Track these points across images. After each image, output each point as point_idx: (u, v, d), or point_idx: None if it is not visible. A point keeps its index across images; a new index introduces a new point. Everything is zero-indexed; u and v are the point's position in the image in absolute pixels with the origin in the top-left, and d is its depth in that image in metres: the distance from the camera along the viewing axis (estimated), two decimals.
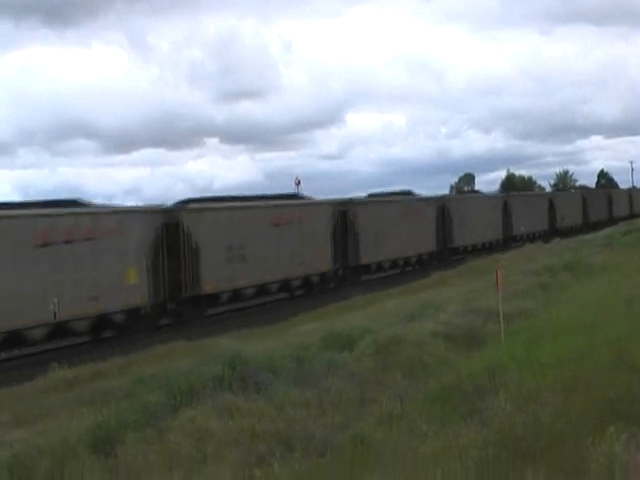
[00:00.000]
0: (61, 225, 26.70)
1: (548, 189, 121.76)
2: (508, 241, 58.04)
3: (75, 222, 27.31)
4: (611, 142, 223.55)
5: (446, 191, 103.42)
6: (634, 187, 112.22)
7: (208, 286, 32.21)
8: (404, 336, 15.37)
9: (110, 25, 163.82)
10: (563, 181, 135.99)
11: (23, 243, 25.02)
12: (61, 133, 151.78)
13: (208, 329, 27.37)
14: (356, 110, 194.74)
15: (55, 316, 25.54)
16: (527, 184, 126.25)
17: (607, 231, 51.80)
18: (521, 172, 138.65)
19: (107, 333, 28.81)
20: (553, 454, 8.07)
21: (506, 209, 59.77)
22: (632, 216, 76.17)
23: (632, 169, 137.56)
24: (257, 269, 34.63)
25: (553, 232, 63.86)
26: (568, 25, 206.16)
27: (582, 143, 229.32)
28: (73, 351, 25.68)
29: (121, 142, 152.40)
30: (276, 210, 37.84)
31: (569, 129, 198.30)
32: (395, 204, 48.52)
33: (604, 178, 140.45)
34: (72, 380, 16.66)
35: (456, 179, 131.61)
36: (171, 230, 31.01)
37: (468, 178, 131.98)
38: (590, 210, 75.54)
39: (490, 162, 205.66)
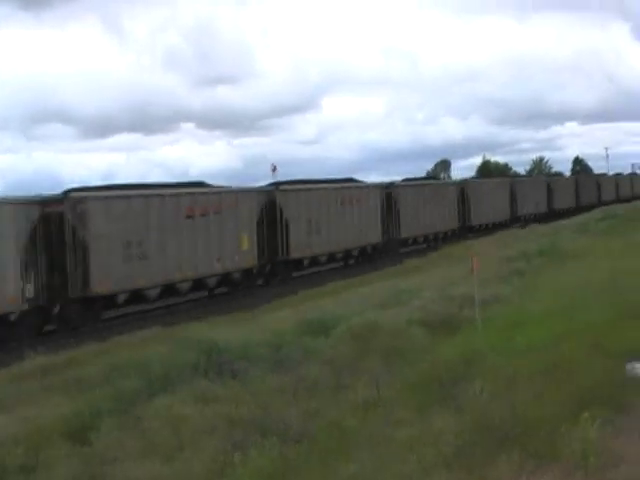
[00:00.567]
0: (199, 201, 33.66)
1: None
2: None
3: (207, 199, 34.38)
4: (586, 129, 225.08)
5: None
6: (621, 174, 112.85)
7: (296, 253, 39.15)
8: (380, 323, 15.37)
9: (86, 8, 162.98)
10: (538, 168, 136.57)
11: (178, 215, 32.10)
12: (37, 117, 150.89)
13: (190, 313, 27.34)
14: (333, 95, 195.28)
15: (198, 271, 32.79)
16: (503, 170, 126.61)
17: (583, 217, 52.11)
18: (497, 158, 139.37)
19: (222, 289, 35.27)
20: (528, 440, 8.11)
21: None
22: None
23: (607, 155, 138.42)
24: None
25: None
26: (544, 12, 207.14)
27: (557, 130, 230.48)
28: (48, 339, 25.52)
29: (97, 127, 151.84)
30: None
31: (544, 115, 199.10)
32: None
33: (579, 165, 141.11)
34: (48, 367, 16.57)
35: (432, 165, 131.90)
36: (270, 207, 38.28)
37: (444, 164, 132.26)
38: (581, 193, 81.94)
39: (466, 148, 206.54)
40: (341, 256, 44.39)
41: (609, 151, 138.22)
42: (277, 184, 42.32)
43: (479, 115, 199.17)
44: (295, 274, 40.01)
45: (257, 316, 22.34)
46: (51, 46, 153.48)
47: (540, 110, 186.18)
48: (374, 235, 46.37)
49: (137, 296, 30.32)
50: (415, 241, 51.93)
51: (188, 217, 32.70)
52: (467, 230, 57.74)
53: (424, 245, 52.33)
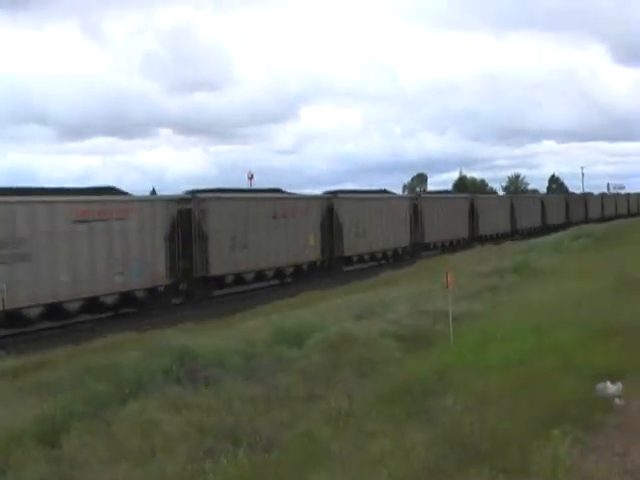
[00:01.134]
0: (280, 205, 42.13)
1: (500, 192, 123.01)
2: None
3: (287, 204, 42.79)
4: (562, 147, 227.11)
5: (399, 190, 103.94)
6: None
7: (348, 251, 47.03)
8: (353, 334, 15.39)
9: (64, 10, 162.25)
10: (514, 185, 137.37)
11: (267, 216, 40.22)
12: (12, 118, 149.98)
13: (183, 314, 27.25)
14: (311, 105, 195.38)
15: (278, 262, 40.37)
16: (479, 186, 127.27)
17: (557, 236, 52.36)
18: (473, 174, 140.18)
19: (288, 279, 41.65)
20: (498, 455, 8.17)
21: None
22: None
23: (583, 175, 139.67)
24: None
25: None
26: (522, 30, 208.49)
27: (534, 147, 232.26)
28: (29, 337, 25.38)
29: (74, 129, 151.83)
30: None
31: (521, 133, 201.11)
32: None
33: (555, 183, 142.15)
34: (19, 369, 16.48)
35: (409, 179, 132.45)
36: (329, 211, 45.81)
37: (421, 178, 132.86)
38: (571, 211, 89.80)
39: (443, 163, 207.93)
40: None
41: (584, 170, 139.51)
42: (336, 192, 49.46)
43: (456, 130, 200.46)
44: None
45: (230, 325, 22.29)
46: (28, 47, 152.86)
47: (517, 127, 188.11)
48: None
49: (239, 279, 38.13)
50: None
51: (274, 218, 40.69)
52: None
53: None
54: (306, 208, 43.63)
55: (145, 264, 32.30)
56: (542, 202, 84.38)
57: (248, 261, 38.21)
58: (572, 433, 8.41)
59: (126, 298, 31.65)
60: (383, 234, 50.85)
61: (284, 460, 8.80)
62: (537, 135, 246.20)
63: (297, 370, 13.13)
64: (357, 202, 49.32)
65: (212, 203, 36.68)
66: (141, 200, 34.47)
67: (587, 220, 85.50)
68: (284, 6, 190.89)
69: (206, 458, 8.84)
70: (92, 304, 29.83)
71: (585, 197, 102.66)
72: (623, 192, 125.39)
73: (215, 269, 36.24)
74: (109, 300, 30.73)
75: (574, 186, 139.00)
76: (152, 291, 32.87)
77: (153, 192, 56.86)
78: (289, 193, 45.95)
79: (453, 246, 58.76)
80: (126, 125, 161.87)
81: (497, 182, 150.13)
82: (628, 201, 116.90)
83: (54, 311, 28.31)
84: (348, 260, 47.69)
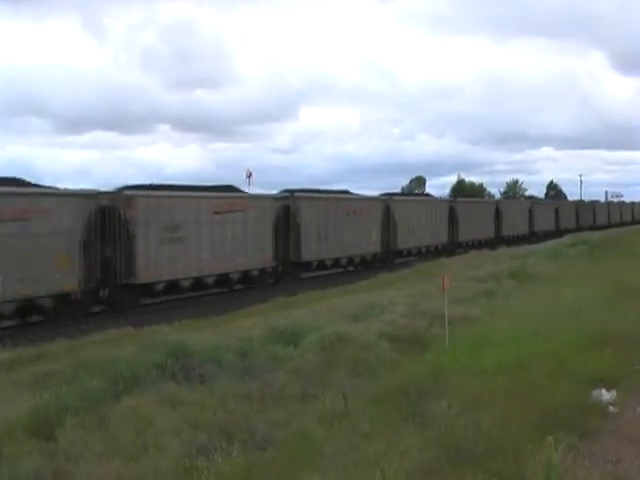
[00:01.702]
0: (352, 205, 49.46)
1: (498, 197, 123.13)
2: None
3: (356, 204, 49.90)
4: (561, 154, 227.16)
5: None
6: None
7: (401, 245, 54.24)
8: (349, 335, 15.39)
9: (65, 3, 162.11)
10: (513, 190, 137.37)
11: (343, 214, 47.48)
12: (12, 110, 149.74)
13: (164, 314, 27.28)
14: (311, 105, 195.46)
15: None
16: (478, 191, 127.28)
17: (553, 242, 52.45)
18: (471, 178, 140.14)
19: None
20: (492, 459, 8.18)
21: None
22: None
23: (581, 182, 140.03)
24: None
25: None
26: (522, 36, 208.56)
27: (532, 153, 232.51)
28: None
29: (73, 123, 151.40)
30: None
31: (520, 138, 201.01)
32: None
33: (553, 189, 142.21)
34: (15, 361, 16.48)
35: (407, 181, 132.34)
36: (386, 211, 52.76)
37: (419, 181, 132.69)
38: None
39: (441, 166, 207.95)
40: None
41: (583, 177, 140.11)
42: (391, 194, 57.59)
43: (455, 134, 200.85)
44: None
45: (227, 322, 22.30)
46: (29, 39, 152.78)
47: (516, 133, 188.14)
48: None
49: (322, 265, 45.39)
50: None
51: (347, 214, 47.58)
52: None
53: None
54: (370, 208, 51.36)
55: (259, 248, 39.57)
56: (556, 209, 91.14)
57: (329, 250, 45.63)
58: (566, 439, 8.42)
59: (245, 276, 38.96)
60: (429, 231, 57.77)
61: (278, 459, 8.80)
62: (536, 141, 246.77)
63: (292, 369, 13.13)
64: (412, 203, 58.95)
65: (305, 201, 44.27)
66: (256, 197, 42.90)
67: (595, 226, 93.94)
68: (285, 5, 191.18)
69: (199, 455, 8.83)
70: (223, 279, 37.27)
71: (593, 205, 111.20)
72: (628, 201, 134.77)
73: (306, 256, 43.65)
74: (235, 277, 38.25)
75: (572, 193, 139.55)
76: (262, 271, 40.34)
77: None
78: (355, 194, 53.71)
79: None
80: (125, 120, 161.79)
81: (495, 187, 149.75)
82: (632, 209, 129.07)
83: (198, 284, 35.60)
84: (400, 253, 54.65)
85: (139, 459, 9.05)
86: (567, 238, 54.01)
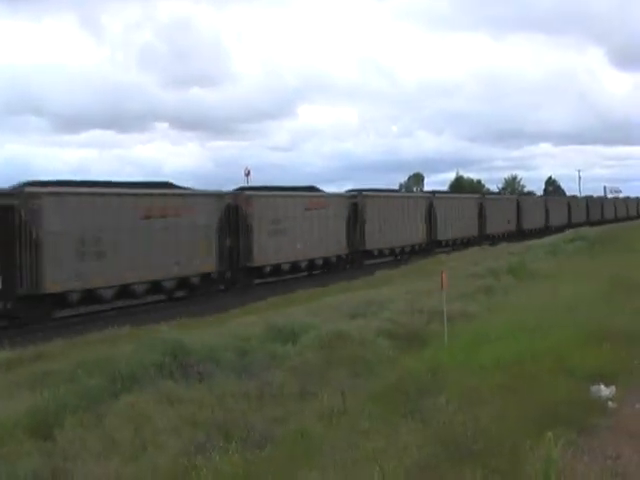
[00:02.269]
0: (401, 202, 58.74)
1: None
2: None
3: (402, 202, 58.64)
4: (559, 150, 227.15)
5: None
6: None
7: (441, 236, 62.04)
8: (348, 332, 15.38)
9: (63, 1, 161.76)
10: (511, 186, 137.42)
11: (397, 211, 55.73)
12: (10, 109, 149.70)
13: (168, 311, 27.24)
14: (309, 103, 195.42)
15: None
16: (476, 187, 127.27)
17: (552, 238, 52.37)
18: (470, 175, 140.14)
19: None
20: (491, 455, 8.16)
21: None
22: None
23: (579, 178, 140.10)
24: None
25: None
26: (520, 32, 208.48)
27: (531, 149, 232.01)
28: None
29: (70, 121, 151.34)
30: None
31: (518, 135, 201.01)
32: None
33: (552, 185, 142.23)
34: (14, 361, 16.45)
35: (405, 178, 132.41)
36: (429, 207, 60.67)
37: (418, 178, 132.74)
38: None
39: (440, 163, 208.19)
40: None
41: (581, 173, 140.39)
42: (433, 192, 67.44)
43: (453, 131, 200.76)
44: None
45: (226, 320, 22.25)
46: (26, 38, 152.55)
47: (514, 129, 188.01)
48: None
49: (381, 253, 53.61)
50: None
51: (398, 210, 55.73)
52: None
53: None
54: (416, 204, 59.77)
55: (336, 239, 47.76)
56: (568, 204, 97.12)
57: (385, 240, 53.07)
58: (565, 435, 8.40)
59: (325, 262, 47.03)
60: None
61: (277, 456, 8.79)
62: (534, 137, 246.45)
63: (291, 367, 13.14)
64: (454, 201, 67.80)
65: (369, 199, 52.25)
66: (334, 196, 51.13)
67: (603, 220, 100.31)
68: (282, 3, 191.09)
69: (198, 453, 8.82)
70: (311, 264, 45.49)
71: (602, 200, 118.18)
72: (633, 197, 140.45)
73: (369, 245, 51.56)
74: (319, 262, 46.37)
75: (571, 189, 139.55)
76: (338, 257, 48.51)
77: None
78: (402, 192, 65.81)
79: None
80: (122, 118, 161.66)
81: (494, 183, 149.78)
82: (637, 205, 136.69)
83: (294, 267, 43.82)
84: (439, 244, 61.48)
85: (137, 458, 9.05)
86: (566, 234, 53.91)
